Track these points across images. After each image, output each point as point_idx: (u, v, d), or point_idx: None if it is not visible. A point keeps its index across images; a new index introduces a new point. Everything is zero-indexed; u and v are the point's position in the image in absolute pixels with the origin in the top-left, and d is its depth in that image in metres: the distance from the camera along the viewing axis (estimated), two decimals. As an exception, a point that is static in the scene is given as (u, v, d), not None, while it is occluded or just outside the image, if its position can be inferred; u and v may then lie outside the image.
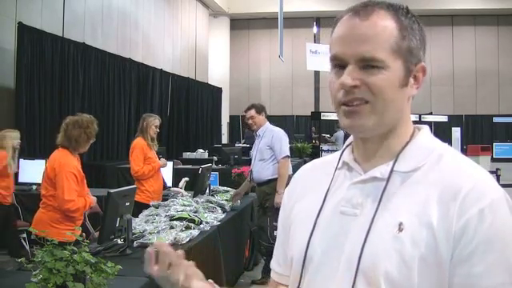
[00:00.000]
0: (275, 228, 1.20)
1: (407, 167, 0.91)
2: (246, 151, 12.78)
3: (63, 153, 3.71)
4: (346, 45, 0.91)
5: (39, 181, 5.97)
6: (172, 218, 3.63)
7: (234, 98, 20.29)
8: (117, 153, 10.87)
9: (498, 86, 20.37)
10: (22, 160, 6.46)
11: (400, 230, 0.85)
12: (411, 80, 0.93)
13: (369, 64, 0.89)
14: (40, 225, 3.60)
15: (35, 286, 1.96)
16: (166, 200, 4.35)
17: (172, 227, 3.45)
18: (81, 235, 3.11)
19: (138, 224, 3.53)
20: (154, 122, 5.32)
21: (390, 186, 0.90)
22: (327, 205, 0.97)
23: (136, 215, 3.81)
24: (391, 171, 0.91)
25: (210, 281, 0.98)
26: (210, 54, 19.00)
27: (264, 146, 5.13)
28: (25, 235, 5.50)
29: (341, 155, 1.02)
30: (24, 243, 5.55)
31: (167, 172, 5.74)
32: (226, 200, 4.91)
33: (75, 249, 2.04)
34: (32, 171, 6.12)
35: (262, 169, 5.10)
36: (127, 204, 3.28)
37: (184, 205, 4.02)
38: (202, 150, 12.83)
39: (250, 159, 11.62)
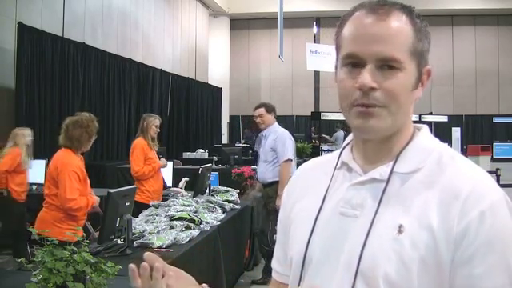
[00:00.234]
0: (275, 232, 1.18)
1: (407, 168, 0.91)
2: (246, 151, 12.79)
3: (66, 152, 3.73)
4: (365, 44, 0.88)
5: (39, 180, 6.01)
6: (172, 218, 3.63)
7: (233, 98, 20.29)
8: (117, 153, 10.87)
9: (498, 86, 20.37)
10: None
11: (400, 232, 0.85)
12: (419, 82, 0.93)
13: (387, 64, 0.88)
14: (43, 224, 3.63)
15: (35, 286, 1.96)
16: (166, 200, 4.35)
17: (172, 227, 3.45)
18: (82, 236, 3.12)
19: (138, 224, 3.53)
20: (154, 121, 5.32)
21: (390, 188, 0.90)
22: (326, 205, 0.96)
23: (136, 215, 3.81)
24: (391, 172, 0.91)
25: (204, 285, 0.98)
26: (210, 54, 18.99)
27: (268, 147, 5.16)
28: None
29: (340, 155, 1.01)
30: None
31: (167, 172, 5.74)
32: (226, 200, 4.91)
33: (75, 249, 2.04)
34: (32, 171, 6.10)
35: (265, 170, 5.14)
36: (127, 204, 3.28)
37: (184, 205, 4.02)
38: (201, 150, 12.83)
39: (250, 159, 11.66)
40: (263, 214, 5.21)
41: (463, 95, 20.54)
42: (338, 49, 0.95)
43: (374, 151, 0.95)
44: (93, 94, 9.99)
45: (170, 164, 5.88)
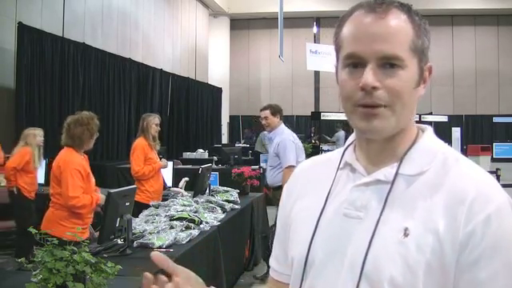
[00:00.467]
0: None
1: (412, 171, 0.90)
2: (246, 151, 12.79)
3: (68, 151, 3.76)
4: (365, 43, 0.88)
5: (40, 180, 6.02)
6: (172, 218, 3.63)
7: (233, 98, 20.29)
8: (117, 153, 10.87)
9: (498, 85, 20.37)
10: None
11: (405, 235, 0.84)
12: (421, 80, 0.93)
13: (389, 62, 0.87)
14: (49, 223, 3.66)
15: (35, 286, 1.96)
16: (166, 200, 4.34)
17: (172, 227, 3.45)
18: (90, 235, 3.11)
19: (138, 224, 3.53)
20: (153, 120, 5.32)
21: (395, 190, 0.89)
22: (329, 206, 0.95)
23: (136, 215, 3.81)
24: (396, 174, 0.90)
25: None
26: (210, 54, 19.00)
27: (272, 152, 5.15)
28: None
29: (342, 155, 1.00)
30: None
31: (167, 172, 5.74)
32: (226, 200, 4.90)
33: (75, 249, 2.03)
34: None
35: (271, 174, 5.15)
36: (127, 204, 3.28)
37: (184, 205, 4.02)
38: (201, 150, 12.84)
39: (250, 159, 11.64)
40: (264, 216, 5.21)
41: (463, 95, 20.54)
42: (337, 50, 0.94)
43: (378, 152, 0.94)
44: (93, 94, 9.99)
45: (170, 164, 5.88)
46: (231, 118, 20.50)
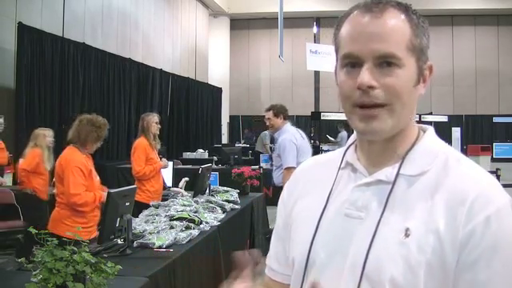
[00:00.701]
0: None
1: (413, 171, 0.90)
2: (246, 151, 12.80)
3: (70, 150, 3.78)
4: (362, 42, 0.88)
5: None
6: (172, 218, 3.63)
7: (233, 98, 20.30)
8: (117, 153, 10.87)
9: (497, 85, 20.38)
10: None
11: (406, 235, 0.84)
12: (421, 79, 0.93)
13: (385, 61, 0.87)
14: (54, 223, 3.69)
15: (35, 286, 1.96)
16: (166, 200, 4.34)
17: (172, 227, 3.44)
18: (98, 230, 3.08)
19: (138, 224, 3.53)
20: (153, 119, 5.32)
21: (396, 190, 0.89)
22: (330, 206, 0.95)
23: (136, 215, 3.80)
24: (397, 174, 0.90)
25: None
26: (210, 54, 19.00)
27: (275, 152, 5.20)
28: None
29: (344, 154, 1.00)
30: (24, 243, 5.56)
31: (167, 172, 5.74)
32: (226, 200, 4.90)
33: (75, 249, 2.03)
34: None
35: (275, 174, 5.19)
36: (127, 204, 3.28)
37: (184, 205, 4.02)
38: (201, 150, 12.85)
39: (250, 159, 11.64)
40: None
41: (463, 95, 20.55)
42: (336, 50, 0.95)
43: (379, 152, 0.94)
44: (93, 94, 9.99)
45: (170, 164, 5.88)
46: (231, 118, 20.51)
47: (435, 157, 0.91)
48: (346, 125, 14.15)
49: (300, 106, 20.64)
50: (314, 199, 0.99)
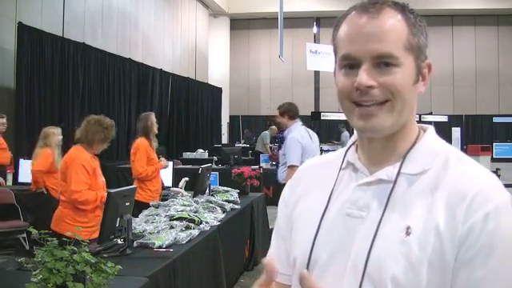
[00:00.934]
0: None
1: (414, 170, 0.90)
2: (246, 151, 12.80)
3: (77, 149, 3.81)
4: (359, 43, 0.89)
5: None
6: (172, 218, 3.63)
7: (233, 98, 20.30)
8: (117, 153, 10.86)
9: (497, 85, 20.38)
10: (21, 160, 6.48)
11: (407, 233, 0.84)
12: (420, 77, 0.93)
13: (383, 61, 0.88)
14: (56, 221, 3.71)
15: (35, 286, 1.96)
16: (166, 200, 4.34)
17: (172, 227, 3.44)
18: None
19: (138, 224, 3.53)
20: (154, 118, 5.33)
21: (397, 189, 0.89)
22: (332, 206, 0.95)
23: (136, 215, 3.80)
24: (398, 173, 0.90)
25: None
26: (210, 54, 19.00)
27: (282, 151, 5.27)
28: (25, 235, 5.52)
29: (345, 154, 1.01)
30: (24, 243, 5.56)
31: (167, 172, 5.74)
32: (226, 200, 4.90)
33: (75, 249, 2.03)
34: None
35: (280, 171, 5.26)
36: (127, 204, 3.28)
37: (184, 205, 4.02)
38: (201, 150, 12.85)
39: (250, 159, 11.64)
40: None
41: (463, 95, 20.55)
42: (335, 52, 0.95)
43: (380, 151, 0.94)
44: (93, 94, 9.99)
45: (170, 164, 5.88)
46: (231, 118, 20.51)
47: (436, 155, 0.91)
48: (347, 124, 14.15)
49: (300, 106, 20.22)
50: (316, 199, 0.99)
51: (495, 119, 20.28)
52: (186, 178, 5.60)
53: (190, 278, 3.22)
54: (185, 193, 5.03)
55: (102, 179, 3.89)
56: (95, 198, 3.68)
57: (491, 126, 20.43)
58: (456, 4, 19.30)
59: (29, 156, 6.65)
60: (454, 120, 19.30)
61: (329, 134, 18.60)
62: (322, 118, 15.87)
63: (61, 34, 9.08)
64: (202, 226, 3.77)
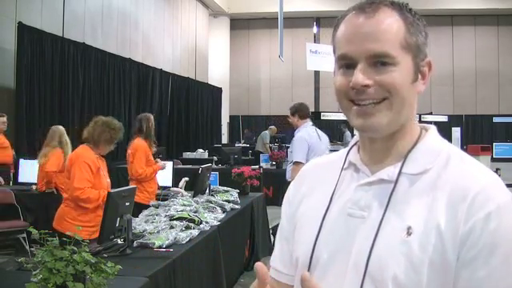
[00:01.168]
0: None
1: (415, 169, 0.90)
2: (246, 151, 12.80)
3: (83, 148, 3.84)
4: (355, 43, 0.89)
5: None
6: (172, 218, 3.63)
7: (233, 98, 20.30)
8: (117, 153, 10.84)
9: (498, 86, 20.38)
10: (21, 160, 6.48)
11: (408, 233, 0.85)
12: (419, 75, 0.93)
13: (380, 61, 0.88)
14: (58, 220, 3.73)
15: (35, 286, 1.96)
16: (166, 200, 4.34)
17: (172, 227, 3.44)
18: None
19: (138, 224, 3.53)
20: (152, 119, 5.32)
21: (398, 189, 0.89)
22: (333, 206, 0.96)
23: (134, 216, 3.80)
24: (399, 173, 0.91)
25: None
26: (210, 54, 19.00)
27: (290, 149, 5.39)
28: (25, 235, 5.52)
29: (347, 155, 1.01)
30: (24, 243, 5.56)
31: (167, 172, 5.74)
32: (226, 200, 4.90)
33: (75, 249, 2.03)
34: (32, 171, 6.12)
35: (287, 169, 5.37)
36: (127, 204, 3.28)
37: (184, 205, 4.02)
38: (201, 150, 12.85)
39: (250, 159, 11.64)
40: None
41: (463, 95, 20.55)
42: (334, 52, 0.96)
43: (381, 151, 0.94)
44: (93, 94, 9.99)
45: (170, 164, 5.89)
46: (231, 118, 20.51)
47: (438, 155, 0.91)
48: (347, 124, 14.15)
49: (300, 106, 20.64)
50: (318, 199, 0.99)
51: (495, 119, 20.28)
52: (186, 178, 5.60)
53: (190, 277, 3.22)
54: (185, 193, 5.03)
55: (107, 180, 3.89)
56: (98, 197, 3.68)
57: (491, 126, 20.43)
58: (456, 4, 19.30)
59: (29, 156, 6.66)
60: (454, 120, 19.30)
61: (329, 134, 18.59)
62: (322, 117, 15.86)
63: (61, 34, 9.09)
64: (201, 225, 3.77)
